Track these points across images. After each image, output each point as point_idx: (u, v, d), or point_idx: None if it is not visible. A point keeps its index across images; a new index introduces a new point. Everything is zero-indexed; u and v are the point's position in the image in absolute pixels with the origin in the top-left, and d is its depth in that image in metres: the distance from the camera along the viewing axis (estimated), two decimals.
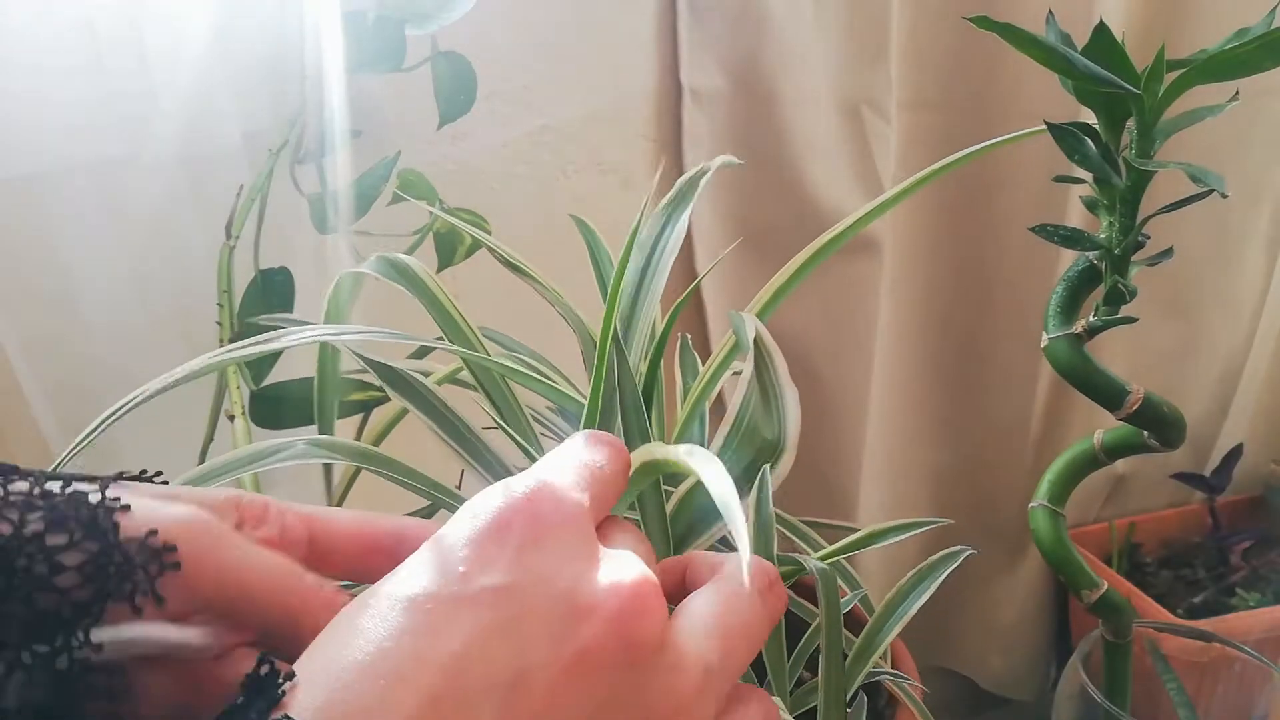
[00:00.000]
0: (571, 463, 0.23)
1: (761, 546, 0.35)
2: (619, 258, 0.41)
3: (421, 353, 0.54)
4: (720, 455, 0.37)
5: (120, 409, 0.32)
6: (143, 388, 0.32)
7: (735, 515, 0.21)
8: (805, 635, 0.41)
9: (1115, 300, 0.36)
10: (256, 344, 0.36)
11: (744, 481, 0.37)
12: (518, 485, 0.21)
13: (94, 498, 0.20)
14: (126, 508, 0.20)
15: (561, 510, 0.21)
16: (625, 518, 0.26)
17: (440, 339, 0.42)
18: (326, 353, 0.45)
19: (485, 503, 0.21)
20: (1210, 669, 0.50)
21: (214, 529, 0.21)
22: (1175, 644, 0.51)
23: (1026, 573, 0.77)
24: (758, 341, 0.36)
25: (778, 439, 0.35)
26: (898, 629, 0.41)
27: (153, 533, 0.20)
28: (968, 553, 0.43)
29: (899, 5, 0.62)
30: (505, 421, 0.42)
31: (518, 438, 0.39)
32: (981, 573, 0.78)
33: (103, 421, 0.32)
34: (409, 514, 0.47)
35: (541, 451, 0.42)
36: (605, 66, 0.75)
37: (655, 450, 0.29)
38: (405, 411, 0.41)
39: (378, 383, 0.41)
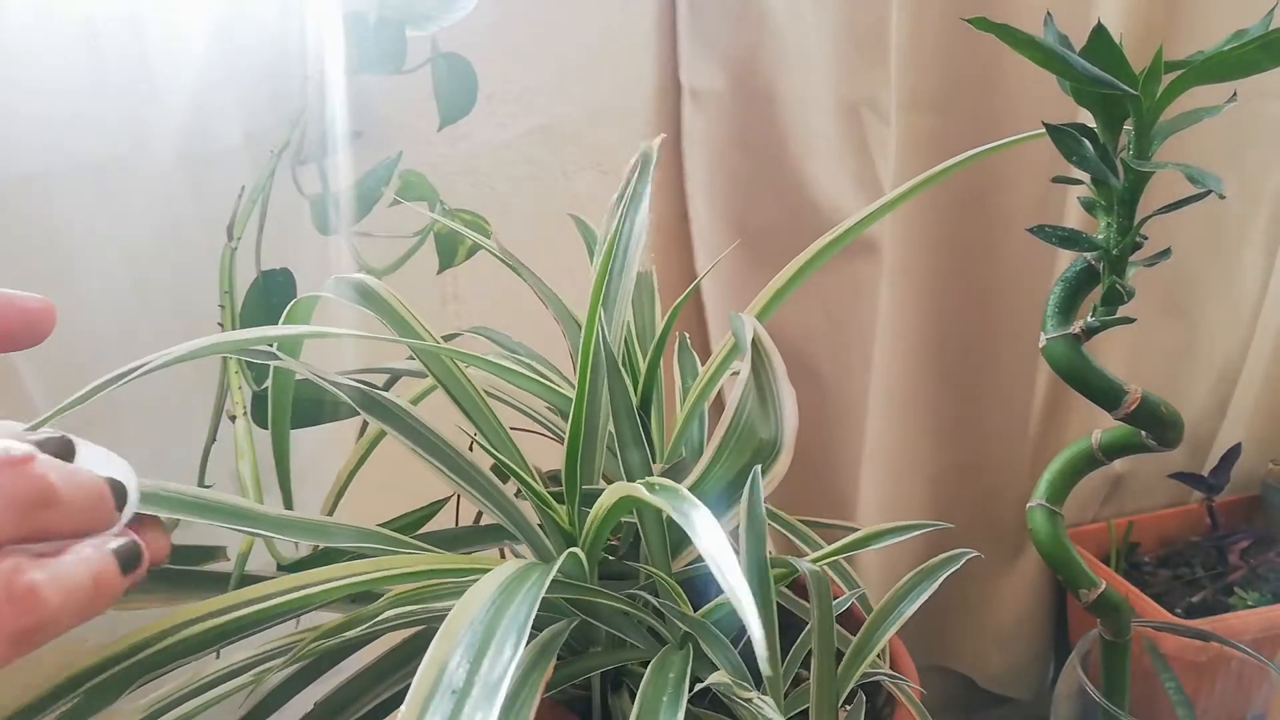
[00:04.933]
0: None
1: (755, 547, 0.35)
2: (596, 264, 0.41)
3: None
4: (717, 455, 0.37)
5: (116, 378, 0.32)
6: (146, 359, 0.32)
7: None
8: (801, 636, 0.41)
9: (1113, 301, 0.37)
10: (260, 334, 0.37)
11: (739, 482, 0.37)
12: None
13: None
14: None
15: None
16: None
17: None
18: (281, 374, 0.45)
19: None
20: (1208, 668, 0.50)
21: None
22: (1173, 643, 0.51)
23: (1025, 572, 0.77)
24: (756, 342, 0.36)
25: (774, 439, 0.36)
26: (894, 629, 0.41)
27: None
28: (969, 555, 0.43)
29: (898, 6, 0.62)
30: (479, 429, 0.42)
31: (491, 449, 0.39)
32: (980, 572, 0.78)
33: (94, 390, 0.32)
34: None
35: (519, 457, 0.42)
36: (605, 66, 0.76)
37: (631, 490, 0.30)
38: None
39: (379, 383, 0.41)
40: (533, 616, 0.26)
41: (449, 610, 0.32)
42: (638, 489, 0.30)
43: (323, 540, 0.37)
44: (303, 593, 0.34)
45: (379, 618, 0.33)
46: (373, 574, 0.35)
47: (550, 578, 0.28)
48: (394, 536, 0.38)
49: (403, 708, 0.23)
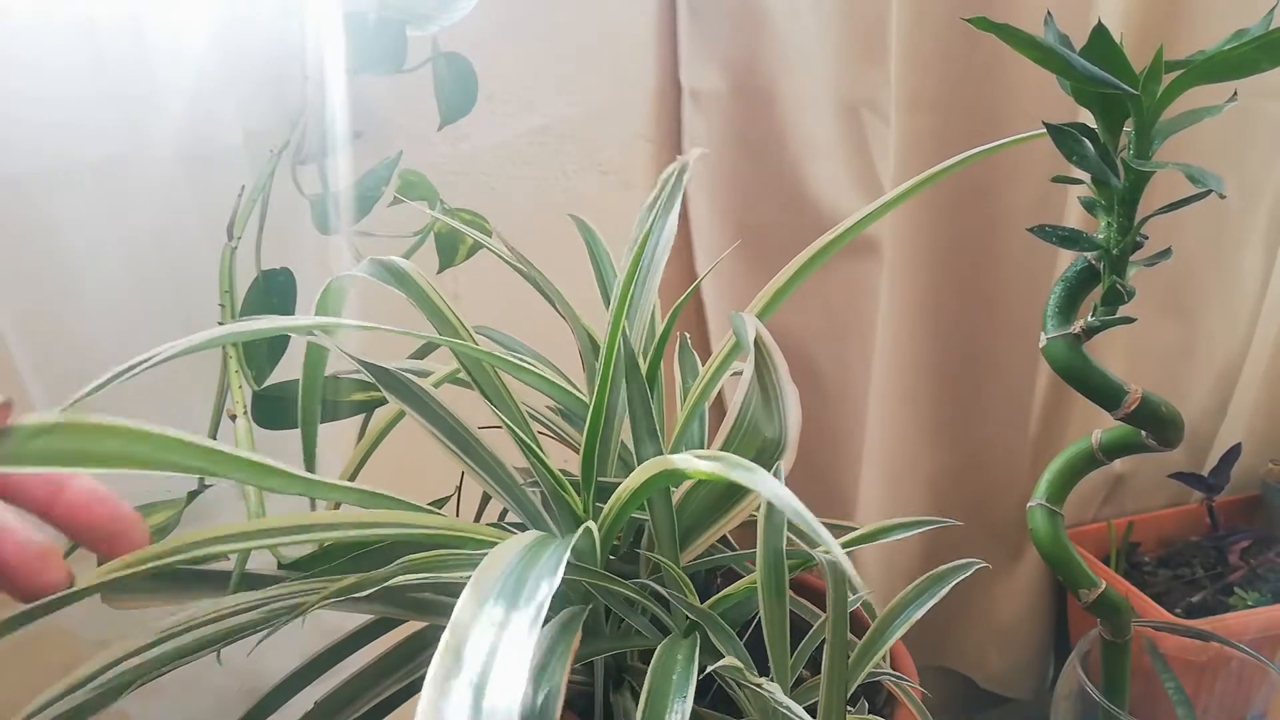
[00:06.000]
0: None
1: (772, 537, 0.35)
2: (627, 260, 0.41)
3: (423, 352, 0.55)
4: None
5: (118, 375, 0.32)
6: (150, 353, 0.32)
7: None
8: (808, 634, 0.41)
9: (1113, 300, 0.37)
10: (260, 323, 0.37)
11: None
12: None
13: None
14: None
15: None
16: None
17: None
18: (315, 353, 0.45)
19: None
20: (1208, 668, 0.50)
21: None
22: (1173, 643, 0.51)
23: (1025, 572, 0.77)
24: (758, 342, 0.36)
25: (778, 438, 0.36)
26: (900, 633, 0.41)
27: None
28: (979, 565, 0.43)
29: (898, 6, 0.62)
30: (504, 418, 0.42)
31: (519, 432, 0.39)
32: (980, 572, 0.78)
33: (106, 382, 0.32)
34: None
35: (540, 449, 0.42)
36: (605, 66, 0.76)
37: (672, 463, 0.29)
38: (404, 412, 0.41)
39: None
40: (562, 567, 0.26)
41: (461, 579, 0.32)
42: (685, 459, 0.28)
43: (350, 499, 0.36)
44: (305, 586, 0.34)
45: (388, 582, 0.33)
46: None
47: (571, 544, 0.28)
48: (422, 508, 0.38)
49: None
